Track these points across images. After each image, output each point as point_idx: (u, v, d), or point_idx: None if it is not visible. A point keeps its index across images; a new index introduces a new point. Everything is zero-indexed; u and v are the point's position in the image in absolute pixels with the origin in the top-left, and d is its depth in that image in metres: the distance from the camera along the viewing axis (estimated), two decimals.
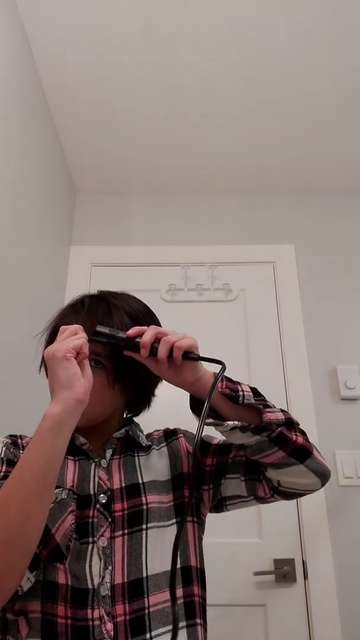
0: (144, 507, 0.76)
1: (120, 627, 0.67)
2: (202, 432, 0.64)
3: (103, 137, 1.99)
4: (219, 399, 0.72)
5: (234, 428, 0.72)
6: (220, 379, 0.72)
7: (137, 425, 0.90)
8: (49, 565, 0.70)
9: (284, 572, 1.59)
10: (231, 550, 1.62)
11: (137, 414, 0.91)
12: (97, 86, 1.76)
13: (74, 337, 0.68)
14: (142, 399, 0.87)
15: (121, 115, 1.89)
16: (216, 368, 0.72)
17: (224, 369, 0.71)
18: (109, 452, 0.81)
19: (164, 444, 0.88)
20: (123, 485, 0.78)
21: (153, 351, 0.71)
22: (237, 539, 1.64)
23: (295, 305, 2.02)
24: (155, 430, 0.92)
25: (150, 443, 0.87)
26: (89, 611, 0.67)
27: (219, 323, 2.01)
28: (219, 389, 0.71)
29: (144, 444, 0.85)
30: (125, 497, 0.76)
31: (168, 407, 1.53)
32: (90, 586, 0.69)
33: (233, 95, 1.81)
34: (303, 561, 1.62)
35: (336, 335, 1.96)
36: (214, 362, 0.72)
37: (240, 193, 2.30)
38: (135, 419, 0.91)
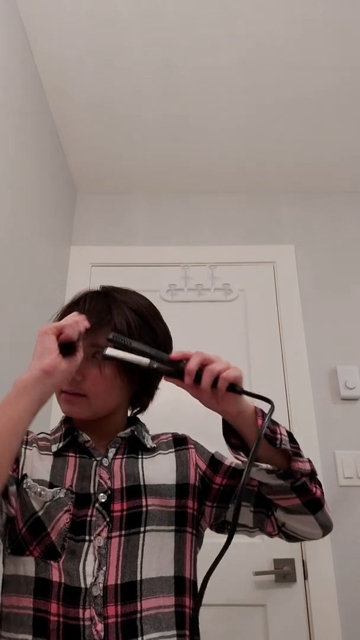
0: (144, 509, 0.75)
1: (111, 628, 0.66)
2: (245, 483, 0.64)
3: (103, 137, 1.99)
4: (255, 434, 0.69)
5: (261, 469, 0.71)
6: (261, 413, 0.70)
7: (143, 425, 0.89)
8: (42, 562, 0.70)
9: (284, 572, 1.59)
10: (231, 550, 1.58)
11: (143, 408, 0.91)
12: (98, 86, 1.76)
13: (65, 319, 0.69)
14: (146, 391, 0.87)
15: (121, 116, 1.89)
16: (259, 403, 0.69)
17: (273, 408, 0.67)
18: (111, 452, 0.81)
19: (172, 450, 0.86)
20: (124, 485, 0.77)
21: (196, 378, 0.67)
22: (237, 538, 1.59)
23: (295, 306, 2.02)
24: (163, 433, 0.90)
25: (155, 446, 0.86)
26: (80, 610, 0.67)
27: (219, 323, 2.01)
28: (259, 426, 0.69)
29: (149, 446, 0.84)
30: (126, 498, 0.76)
31: (170, 405, 1.53)
32: (82, 585, 0.68)
33: (233, 96, 1.80)
34: (303, 561, 1.62)
35: (336, 335, 1.96)
36: (262, 400, 0.68)
37: (240, 193, 2.30)
38: (141, 419, 0.91)
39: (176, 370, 0.68)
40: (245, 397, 0.70)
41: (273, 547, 1.63)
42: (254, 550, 1.63)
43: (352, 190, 2.28)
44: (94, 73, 1.71)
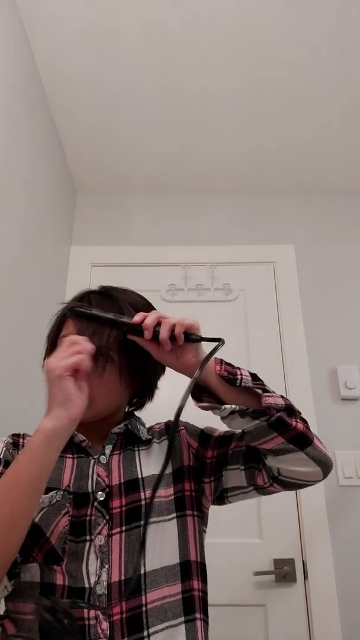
0: (142, 502, 0.76)
1: (117, 625, 0.66)
2: (186, 400, 0.66)
3: (103, 137, 2.00)
4: (217, 382, 0.73)
5: (232, 412, 0.72)
6: (219, 361, 0.74)
7: (137, 419, 0.89)
8: (45, 567, 0.70)
9: (284, 572, 1.59)
10: (231, 550, 1.62)
11: (140, 406, 0.91)
12: (98, 86, 1.76)
13: (74, 351, 0.67)
14: (146, 391, 0.88)
15: (121, 116, 1.89)
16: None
17: (221, 344, 0.73)
18: (108, 448, 0.81)
19: (165, 436, 0.87)
20: (122, 481, 0.77)
21: (155, 335, 0.73)
22: (237, 539, 1.64)
23: (295, 305, 2.02)
24: (156, 423, 0.91)
25: (150, 437, 0.86)
26: (85, 610, 0.67)
27: (219, 323, 2.01)
28: (217, 372, 0.73)
29: (144, 438, 0.85)
30: (124, 493, 0.76)
31: (169, 399, 1.53)
32: (86, 585, 0.68)
33: (233, 96, 1.80)
34: (303, 561, 1.62)
35: (336, 335, 1.96)
36: (213, 341, 0.75)
37: (240, 193, 2.30)
38: (137, 413, 0.91)
39: (137, 329, 0.74)
40: (206, 349, 0.75)
41: (273, 547, 1.63)
42: (254, 550, 1.63)
43: (352, 190, 2.28)
44: (95, 73, 1.71)
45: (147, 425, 0.91)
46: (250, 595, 1.58)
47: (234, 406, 0.71)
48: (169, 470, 0.82)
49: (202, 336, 0.75)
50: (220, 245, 2.18)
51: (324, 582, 1.58)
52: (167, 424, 0.91)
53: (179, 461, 0.84)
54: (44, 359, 0.84)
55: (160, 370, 0.86)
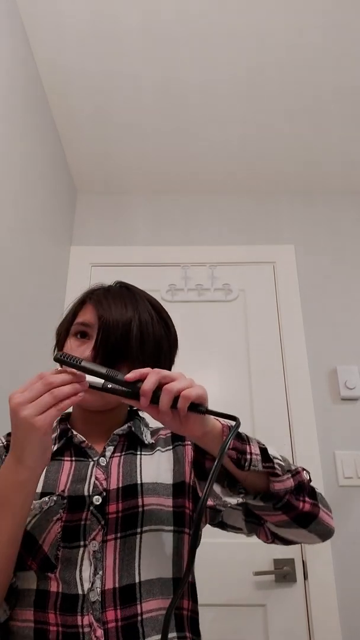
0: (140, 509, 0.73)
1: (112, 633, 0.65)
2: (205, 505, 0.57)
3: (103, 137, 2.00)
4: (225, 457, 0.65)
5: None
6: (227, 431, 0.65)
7: (141, 419, 0.87)
8: (41, 575, 0.69)
9: (284, 572, 1.59)
10: (231, 550, 1.62)
11: None
12: (98, 86, 1.76)
13: (54, 398, 0.60)
14: None
15: (122, 115, 1.89)
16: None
17: (237, 424, 0.61)
18: (109, 450, 0.79)
19: (170, 447, 0.84)
20: (120, 485, 0.75)
21: (154, 399, 0.61)
22: (237, 539, 1.60)
23: (295, 305, 2.02)
24: (162, 428, 0.88)
25: (154, 442, 0.84)
26: (79, 617, 0.65)
27: (219, 323, 2.01)
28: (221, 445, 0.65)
29: (146, 442, 0.82)
30: (122, 498, 0.74)
31: None
32: (80, 592, 0.67)
33: (234, 95, 1.81)
34: (303, 561, 1.62)
35: (336, 335, 1.96)
36: (227, 418, 0.62)
37: (240, 193, 2.30)
38: (141, 413, 0.89)
39: (133, 392, 0.62)
40: (212, 416, 0.64)
41: (273, 547, 1.61)
42: (254, 550, 1.63)
43: (352, 191, 2.27)
44: (95, 73, 1.71)
45: (152, 427, 0.88)
46: (250, 595, 1.58)
47: (239, 499, 0.67)
48: (170, 481, 0.79)
49: (210, 409, 0.62)
50: (220, 246, 2.18)
51: (324, 582, 1.58)
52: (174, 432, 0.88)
53: (182, 476, 0.80)
54: (54, 350, 0.82)
55: (170, 363, 0.83)
